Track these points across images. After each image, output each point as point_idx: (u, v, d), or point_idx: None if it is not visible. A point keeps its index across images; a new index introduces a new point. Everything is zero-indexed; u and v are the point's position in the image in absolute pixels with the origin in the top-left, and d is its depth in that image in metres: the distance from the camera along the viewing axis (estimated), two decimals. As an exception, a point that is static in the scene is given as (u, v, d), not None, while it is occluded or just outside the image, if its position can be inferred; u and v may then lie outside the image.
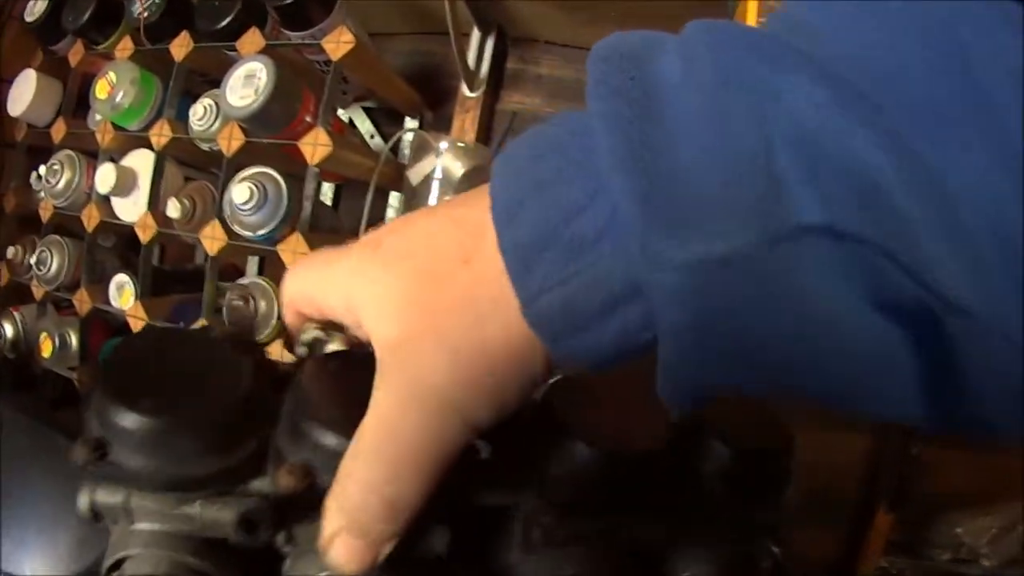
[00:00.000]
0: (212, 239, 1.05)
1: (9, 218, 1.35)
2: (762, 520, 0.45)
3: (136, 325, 1.11)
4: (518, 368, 0.31)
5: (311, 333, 0.41)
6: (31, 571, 0.75)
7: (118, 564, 0.40)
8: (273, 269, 1.14)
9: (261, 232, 1.04)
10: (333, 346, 0.41)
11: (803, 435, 0.45)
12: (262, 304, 1.07)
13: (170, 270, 1.32)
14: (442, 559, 0.39)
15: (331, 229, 1.13)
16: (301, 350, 0.42)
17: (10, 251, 1.28)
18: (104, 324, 1.24)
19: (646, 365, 0.29)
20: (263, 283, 1.10)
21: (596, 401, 0.44)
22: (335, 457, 0.36)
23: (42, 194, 1.26)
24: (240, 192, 1.00)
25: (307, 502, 0.38)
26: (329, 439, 0.36)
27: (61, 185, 1.21)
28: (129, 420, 0.37)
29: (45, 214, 1.26)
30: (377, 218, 1.14)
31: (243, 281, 1.14)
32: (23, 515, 0.78)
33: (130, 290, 1.16)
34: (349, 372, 0.40)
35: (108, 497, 0.40)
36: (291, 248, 1.01)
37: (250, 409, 0.39)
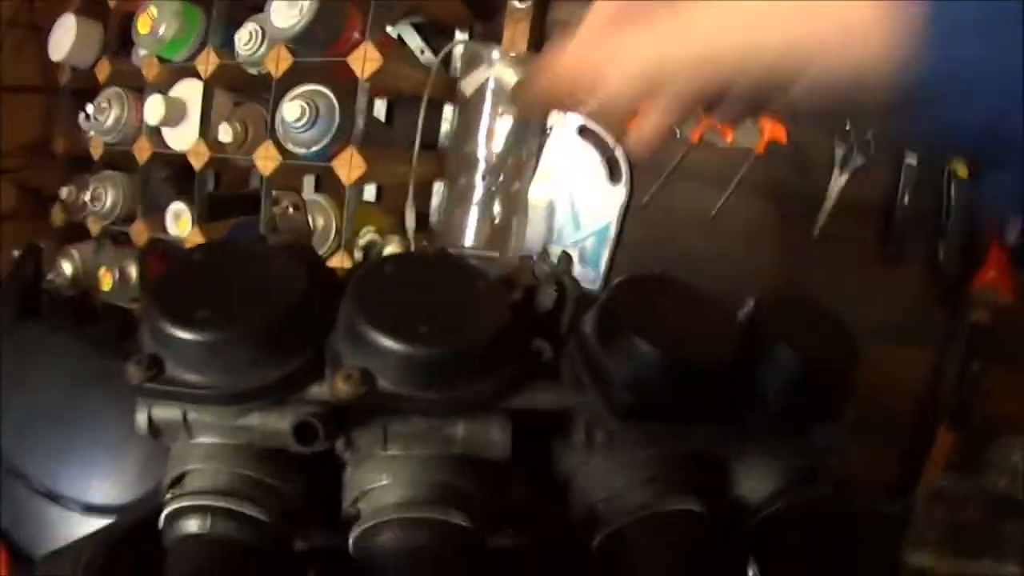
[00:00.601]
0: (266, 159, 1.04)
1: (60, 160, 1.36)
2: (824, 434, 0.43)
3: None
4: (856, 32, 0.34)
5: (367, 236, 0.40)
6: (100, 498, 0.77)
7: (179, 479, 0.40)
8: (329, 190, 1.13)
9: (314, 148, 1.03)
10: (390, 249, 0.40)
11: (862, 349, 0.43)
12: (320, 221, 1.06)
13: (226, 195, 1.32)
14: (503, 461, 0.39)
15: (384, 143, 1.11)
16: (357, 254, 0.41)
17: (63, 191, 1.28)
18: (162, 254, 1.25)
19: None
20: (321, 200, 1.09)
21: (665, 305, 0.42)
22: (393, 360, 0.35)
23: (91, 133, 1.26)
24: (292, 109, 1.00)
25: (366, 407, 0.37)
26: (387, 342, 0.35)
27: (110, 122, 1.21)
28: (182, 334, 0.36)
29: (96, 151, 1.26)
30: (431, 131, 1.13)
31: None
32: (89, 443, 0.79)
33: (187, 218, 1.16)
34: (405, 275, 0.40)
35: (166, 413, 0.39)
36: (345, 163, 0.99)
37: (305, 316, 0.38)
